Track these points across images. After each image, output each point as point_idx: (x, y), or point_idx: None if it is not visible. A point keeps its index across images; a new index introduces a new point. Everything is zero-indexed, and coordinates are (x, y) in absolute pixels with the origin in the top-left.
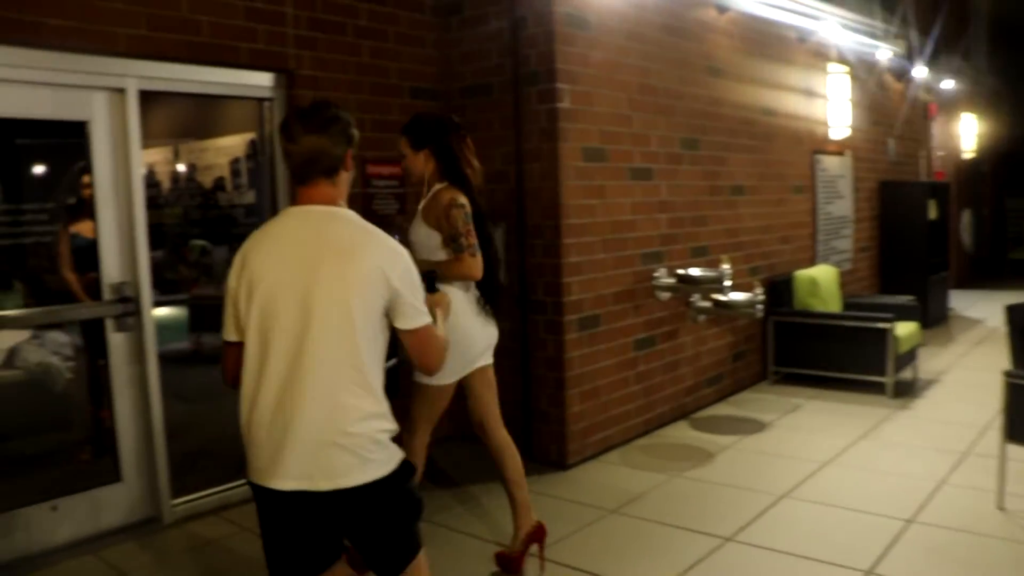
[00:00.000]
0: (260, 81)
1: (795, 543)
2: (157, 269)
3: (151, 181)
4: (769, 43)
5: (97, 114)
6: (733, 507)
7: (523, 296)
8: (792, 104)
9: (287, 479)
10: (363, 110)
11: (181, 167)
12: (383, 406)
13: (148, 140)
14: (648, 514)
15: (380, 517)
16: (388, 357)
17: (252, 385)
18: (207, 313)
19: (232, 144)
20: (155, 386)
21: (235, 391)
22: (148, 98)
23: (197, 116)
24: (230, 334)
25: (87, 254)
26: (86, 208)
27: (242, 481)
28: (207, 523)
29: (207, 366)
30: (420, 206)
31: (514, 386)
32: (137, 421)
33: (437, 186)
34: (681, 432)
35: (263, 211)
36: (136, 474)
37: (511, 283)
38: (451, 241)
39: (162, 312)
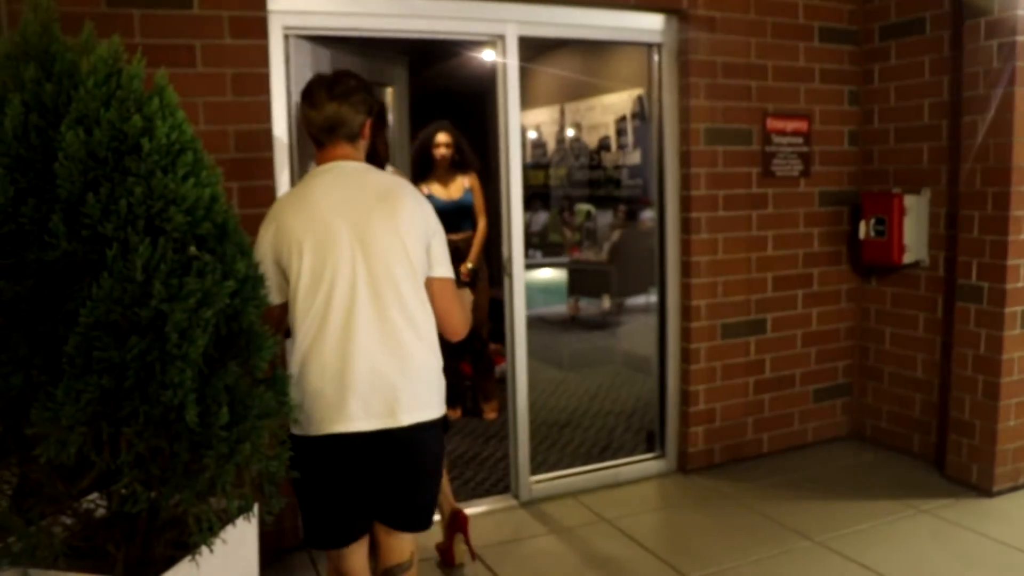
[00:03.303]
0: (649, 24)
1: None
2: (543, 232)
3: (537, 141)
4: None
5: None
6: None
7: (950, 278)
8: None
9: (369, 419)
10: (763, 55)
11: (568, 129)
12: (431, 346)
13: (536, 101)
14: None
15: (434, 457)
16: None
17: (310, 339)
18: (584, 277)
19: (618, 101)
20: (521, 351)
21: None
22: (535, 55)
23: (585, 72)
24: (273, 297)
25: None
26: (438, 168)
27: (607, 463)
28: (564, 506)
29: (584, 332)
30: None
31: (927, 386)
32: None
33: None
34: None
35: (648, 173)
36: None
37: (934, 262)
38: None
39: (546, 275)
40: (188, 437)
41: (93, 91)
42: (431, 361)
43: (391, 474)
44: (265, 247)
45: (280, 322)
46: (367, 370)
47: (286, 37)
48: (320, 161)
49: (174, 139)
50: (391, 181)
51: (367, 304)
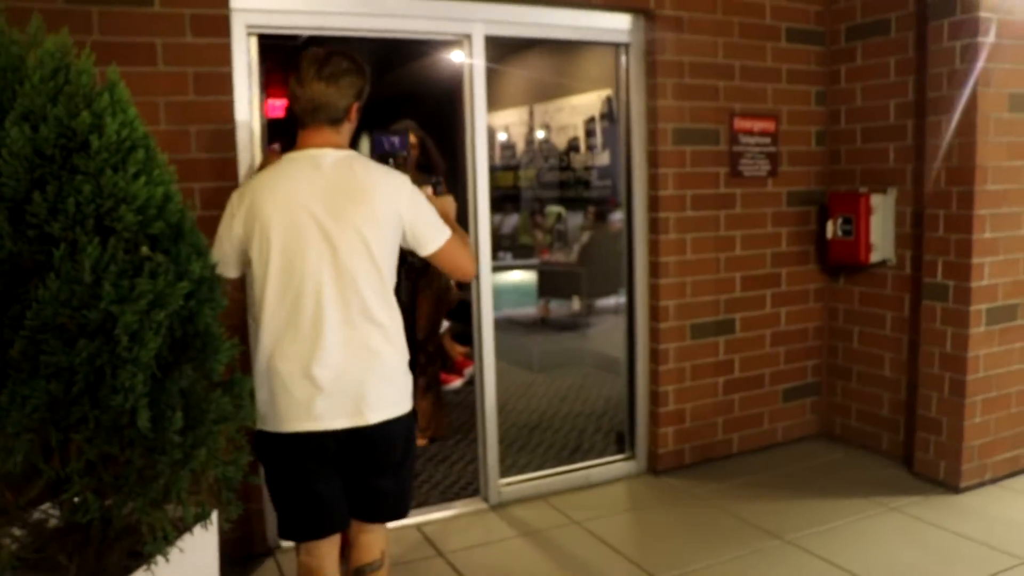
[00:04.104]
0: (616, 24)
1: None
2: (514, 234)
3: (506, 143)
4: None
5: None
6: None
7: (916, 277)
8: None
9: (336, 419)
10: (731, 55)
11: (537, 130)
12: (397, 345)
13: (505, 102)
14: None
15: (404, 448)
16: None
17: (276, 338)
18: (554, 279)
19: (587, 102)
20: (489, 353)
21: None
22: (503, 56)
23: (554, 73)
24: (230, 271)
25: None
26: (407, 170)
27: (577, 465)
28: (534, 508)
29: (554, 333)
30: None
31: (895, 384)
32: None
33: None
34: None
35: (617, 174)
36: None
37: (901, 261)
38: None
39: (517, 277)
40: (141, 443)
41: (39, 86)
42: (397, 360)
43: (360, 467)
44: (236, 222)
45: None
46: (334, 372)
47: (249, 36)
48: (301, 143)
49: (125, 136)
50: (363, 175)
51: (334, 307)
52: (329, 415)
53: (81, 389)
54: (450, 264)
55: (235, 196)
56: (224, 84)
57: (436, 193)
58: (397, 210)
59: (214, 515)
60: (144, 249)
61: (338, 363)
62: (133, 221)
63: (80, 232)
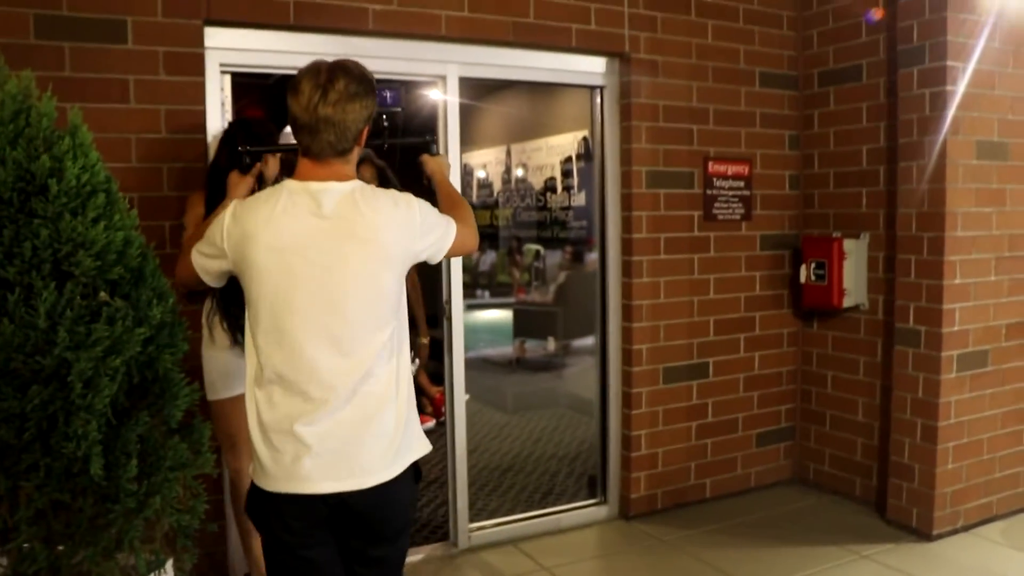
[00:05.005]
0: (591, 67)
1: None
2: (492, 272)
3: (484, 182)
4: None
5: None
6: None
7: (889, 322)
8: None
9: (326, 482)
10: (705, 99)
11: (515, 169)
12: (402, 398)
13: (483, 141)
14: None
15: (402, 515)
16: None
17: (268, 383)
18: (530, 319)
19: (564, 142)
20: (459, 394)
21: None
22: (481, 95)
23: (532, 112)
24: (212, 282)
25: None
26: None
27: (548, 510)
28: (503, 554)
29: (529, 374)
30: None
31: (868, 429)
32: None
33: None
34: None
35: (592, 214)
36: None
37: (873, 306)
38: None
39: (493, 315)
40: (94, 491)
41: None
42: (397, 415)
43: (356, 536)
44: (227, 247)
45: (189, 273)
46: (325, 430)
47: (223, 74)
48: (302, 173)
49: (85, 181)
50: (370, 213)
51: (330, 361)
52: (318, 477)
53: (32, 435)
54: (458, 254)
55: (228, 217)
56: (197, 122)
57: (432, 153)
58: (411, 244)
59: (169, 564)
60: (103, 294)
61: (332, 423)
62: (91, 266)
63: (36, 277)
